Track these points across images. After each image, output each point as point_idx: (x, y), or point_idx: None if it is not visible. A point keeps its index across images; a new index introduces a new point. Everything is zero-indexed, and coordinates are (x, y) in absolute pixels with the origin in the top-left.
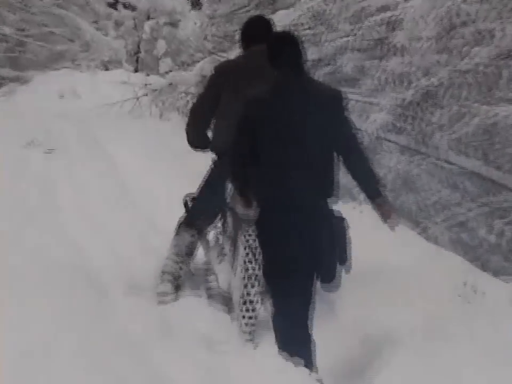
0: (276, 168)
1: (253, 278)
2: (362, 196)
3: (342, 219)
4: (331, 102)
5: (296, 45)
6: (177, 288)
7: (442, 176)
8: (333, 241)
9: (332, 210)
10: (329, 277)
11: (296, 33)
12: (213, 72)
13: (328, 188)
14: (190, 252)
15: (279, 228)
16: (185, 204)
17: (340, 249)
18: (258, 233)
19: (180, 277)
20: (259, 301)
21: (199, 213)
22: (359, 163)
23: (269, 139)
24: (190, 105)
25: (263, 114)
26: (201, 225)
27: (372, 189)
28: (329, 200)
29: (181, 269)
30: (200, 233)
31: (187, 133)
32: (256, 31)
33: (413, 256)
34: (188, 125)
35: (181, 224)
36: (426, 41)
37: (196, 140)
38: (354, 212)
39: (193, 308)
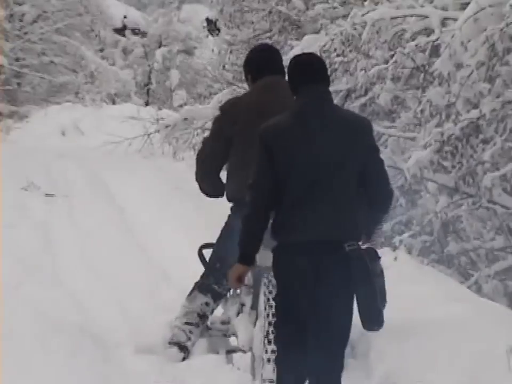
0: (300, 206)
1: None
2: (397, 241)
3: (375, 258)
4: (360, 131)
5: (322, 69)
6: (185, 350)
7: (495, 222)
8: (369, 283)
9: (362, 250)
10: (375, 323)
11: (324, 59)
12: (219, 113)
13: (355, 227)
14: (203, 315)
15: (298, 273)
16: (200, 255)
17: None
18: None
19: (189, 340)
20: None
21: (216, 271)
22: (378, 207)
23: (291, 171)
24: None
25: (283, 143)
26: (219, 290)
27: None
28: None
29: (189, 339)
30: (217, 299)
31: (198, 182)
32: (265, 61)
33: (460, 311)
34: (197, 174)
35: (196, 286)
36: (467, 69)
37: (209, 189)
38: (389, 259)
39: (210, 369)
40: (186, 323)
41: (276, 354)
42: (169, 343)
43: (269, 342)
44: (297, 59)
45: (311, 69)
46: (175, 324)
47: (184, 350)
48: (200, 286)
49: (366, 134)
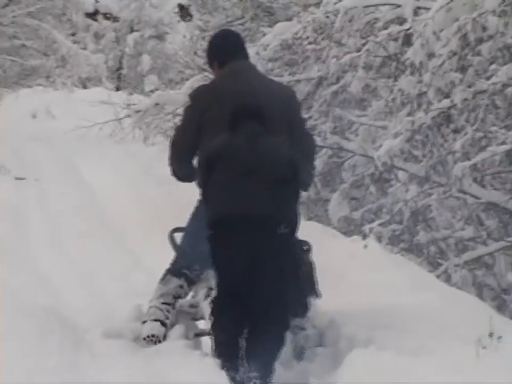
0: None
1: None
2: (367, 229)
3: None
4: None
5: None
6: (166, 327)
7: (465, 212)
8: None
9: (294, 238)
10: (300, 312)
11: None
12: (190, 101)
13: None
14: (178, 297)
15: (232, 253)
16: (171, 239)
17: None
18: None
19: (168, 319)
20: None
21: (187, 255)
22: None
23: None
24: None
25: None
26: (190, 276)
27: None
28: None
29: (167, 318)
30: (190, 283)
31: (170, 166)
32: (232, 46)
33: (429, 299)
34: (170, 158)
35: (168, 270)
36: (438, 58)
37: (181, 174)
38: (359, 246)
39: (180, 353)
40: (163, 303)
41: (212, 324)
42: (151, 320)
43: None
44: None
45: None
46: (152, 304)
47: (165, 326)
48: (173, 271)
49: None
